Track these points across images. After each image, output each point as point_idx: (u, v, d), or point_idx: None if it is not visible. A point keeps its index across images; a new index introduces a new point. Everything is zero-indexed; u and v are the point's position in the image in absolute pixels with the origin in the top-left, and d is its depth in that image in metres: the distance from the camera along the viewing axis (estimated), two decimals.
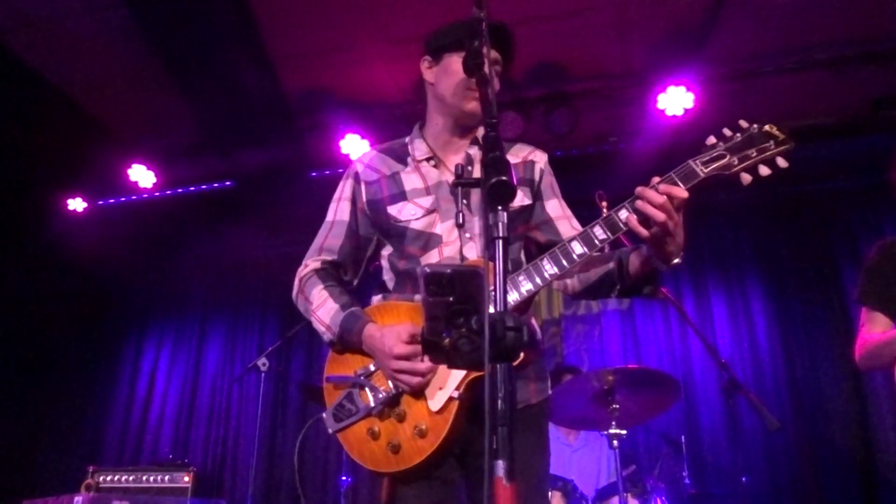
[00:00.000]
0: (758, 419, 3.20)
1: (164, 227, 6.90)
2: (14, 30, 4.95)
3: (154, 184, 6.28)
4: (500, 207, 1.26)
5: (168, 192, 6.56)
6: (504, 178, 1.27)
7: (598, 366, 5.78)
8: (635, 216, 1.74)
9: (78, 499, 4.34)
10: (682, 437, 4.39)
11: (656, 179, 1.76)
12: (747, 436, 5.21)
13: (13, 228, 6.59)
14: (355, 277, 2.23)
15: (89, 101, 5.77)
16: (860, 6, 4.66)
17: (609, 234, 1.79)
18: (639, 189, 1.74)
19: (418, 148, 2.16)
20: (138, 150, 6.19)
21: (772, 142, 1.78)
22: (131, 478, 4.93)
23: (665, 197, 1.70)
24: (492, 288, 1.21)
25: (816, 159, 5.84)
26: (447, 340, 1.25)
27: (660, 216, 1.68)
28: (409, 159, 2.16)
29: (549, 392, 2.09)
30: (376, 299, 2.11)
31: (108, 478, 4.90)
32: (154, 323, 7.52)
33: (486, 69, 1.60)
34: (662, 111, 5.23)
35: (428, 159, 2.13)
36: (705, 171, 1.77)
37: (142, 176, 6.21)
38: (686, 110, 5.18)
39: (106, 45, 5.04)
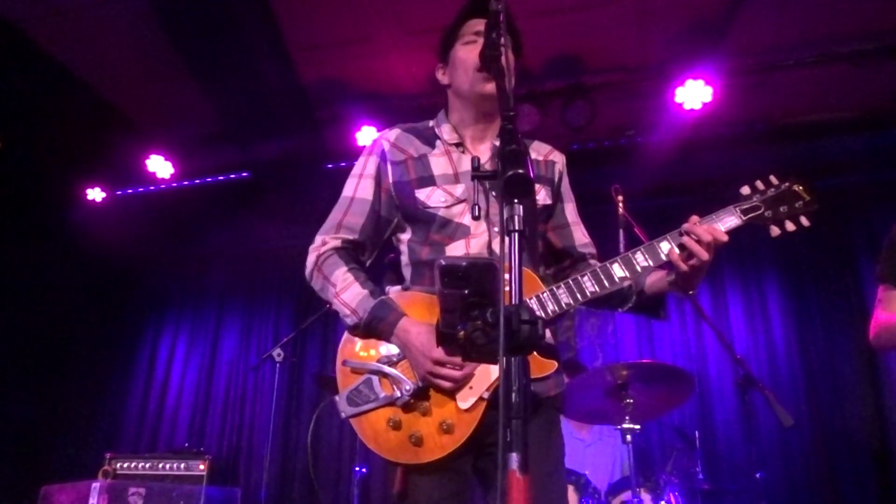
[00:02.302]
0: (773, 415, 3.18)
1: (182, 218, 6.95)
2: (35, 19, 5.00)
3: (172, 174, 6.34)
4: (516, 200, 1.25)
5: (185, 182, 6.61)
6: (521, 170, 1.27)
7: (612, 360, 5.77)
8: (678, 250, 1.86)
9: (95, 485, 4.40)
10: (696, 432, 4.37)
11: (696, 218, 1.88)
12: (762, 431, 5.18)
13: (33, 217, 6.66)
14: (370, 259, 2.17)
15: (108, 91, 5.82)
16: None
17: (650, 262, 1.89)
18: (686, 226, 1.85)
19: (446, 132, 2.12)
20: (156, 140, 6.25)
21: (800, 202, 1.93)
22: (148, 465, 4.98)
23: (712, 237, 1.82)
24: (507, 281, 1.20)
25: (836, 153, 5.78)
26: (462, 333, 1.25)
27: (704, 255, 1.82)
28: (438, 142, 2.11)
29: (564, 386, 2.08)
30: (394, 289, 2.07)
31: (125, 465, 4.95)
32: (171, 312, 7.59)
33: (503, 61, 1.59)
34: (680, 105, 5.19)
35: (457, 145, 2.09)
36: (744, 218, 1.92)
37: (160, 167, 6.27)
38: (704, 104, 5.15)
39: (125, 35, 5.08)
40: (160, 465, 4.98)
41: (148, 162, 6.24)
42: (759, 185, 1.96)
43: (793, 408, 5.17)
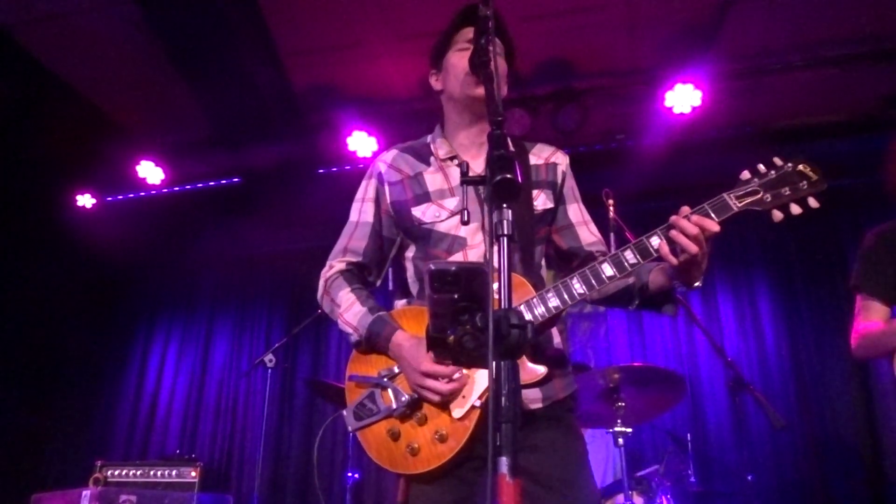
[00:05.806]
0: (764, 417, 3.19)
1: (173, 223, 6.92)
2: (24, 25, 4.98)
3: (162, 180, 6.31)
4: (505, 205, 1.26)
5: (176, 188, 6.58)
6: (509, 175, 1.27)
7: (604, 363, 5.77)
8: (667, 244, 1.78)
9: (86, 493, 4.37)
10: (688, 434, 4.38)
11: (687, 209, 1.78)
12: (753, 434, 5.20)
13: (23, 223, 6.62)
14: (378, 278, 2.24)
15: (98, 96, 5.80)
16: (871, 3, 4.64)
17: (639, 259, 1.82)
18: (673, 219, 1.77)
19: (441, 147, 2.15)
20: (147, 145, 6.22)
21: (805, 182, 1.81)
22: (139, 472, 4.96)
23: (699, 229, 1.73)
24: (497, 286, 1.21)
25: (826, 157, 5.78)
26: (452, 337, 1.25)
27: (693, 248, 1.72)
28: (432, 158, 2.15)
29: (575, 385, 2.07)
30: (400, 304, 2.12)
31: (116, 472, 4.93)
32: (162, 318, 7.56)
33: (492, 66, 1.60)
34: (670, 109, 5.21)
35: (451, 158, 2.12)
36: (739, 205, 1.80)
37: (150, 172, 6.24)
38: (693, 108, 5.17)
39: (115, 40, 5.07)
40: (151, 473, 4.95)
41: (138, 167, 6.21)
42: (761, 167, 1.84)
43: (783, 410, 5.19)
